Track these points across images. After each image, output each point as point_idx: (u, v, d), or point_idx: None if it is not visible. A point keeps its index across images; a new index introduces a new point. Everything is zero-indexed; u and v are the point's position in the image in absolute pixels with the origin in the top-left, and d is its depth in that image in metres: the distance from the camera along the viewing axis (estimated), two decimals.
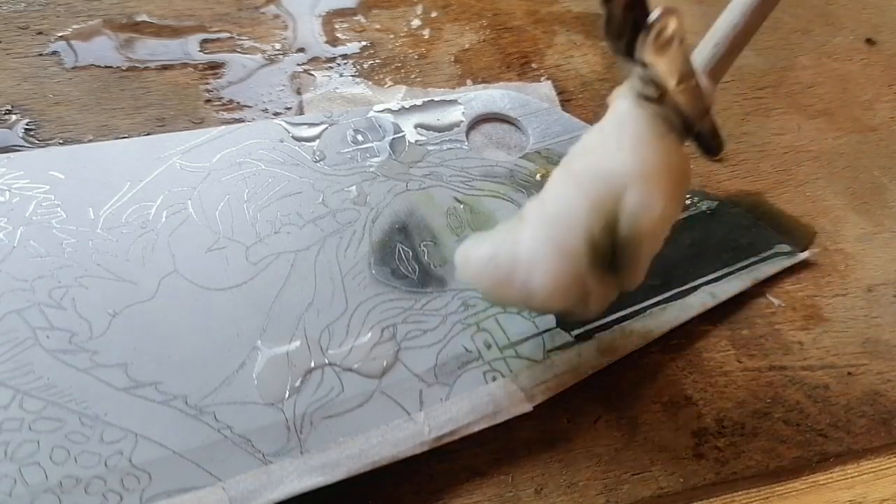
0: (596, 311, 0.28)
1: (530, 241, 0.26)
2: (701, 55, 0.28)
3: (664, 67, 0.24)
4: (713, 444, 0.29)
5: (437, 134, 0.36)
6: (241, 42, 0.40)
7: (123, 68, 0.38)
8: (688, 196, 0.35)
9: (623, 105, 0.27)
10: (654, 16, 0.23)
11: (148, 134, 0.35)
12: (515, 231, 0.27)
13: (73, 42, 0.38)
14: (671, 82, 0.25)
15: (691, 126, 0.27)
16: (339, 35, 0.41)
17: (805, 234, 0.35)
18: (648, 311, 0.31)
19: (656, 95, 0.26)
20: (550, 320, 0.30)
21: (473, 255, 0.27)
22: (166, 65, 0.38)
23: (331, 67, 0.39)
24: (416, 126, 0.36)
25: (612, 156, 0.26)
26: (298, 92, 0.38)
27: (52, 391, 0.26)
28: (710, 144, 0.28)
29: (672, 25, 0.24)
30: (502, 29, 0.42)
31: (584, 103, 0.39)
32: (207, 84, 0.38)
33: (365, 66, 0.40)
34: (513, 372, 0.29)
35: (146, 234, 0.30)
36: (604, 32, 0.24)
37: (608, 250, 0.26)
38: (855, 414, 0.30)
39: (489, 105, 0.37)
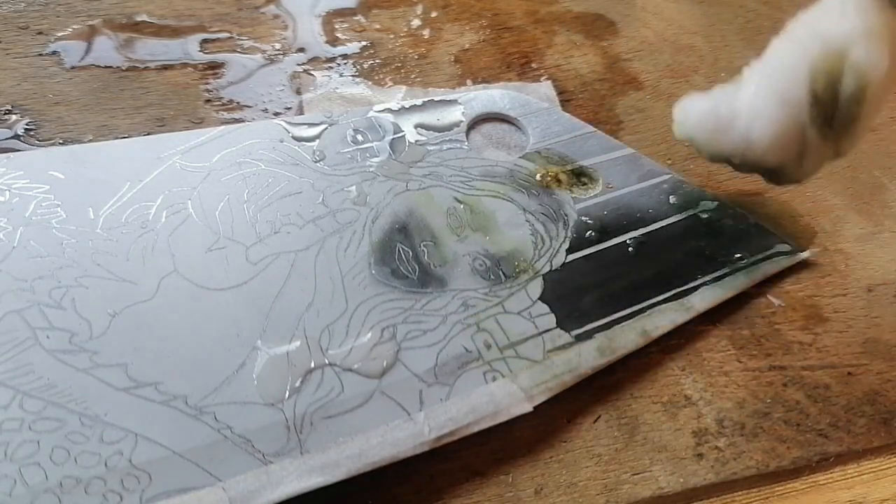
0: (809, 172, 0.29)
1: (752, 94, 0.28)
2: None
3: None
4: (713, 444, 0.29)
5: (437, 134, 0.36)
6: (241, 42, 0.40)
7: (123, 68, 0.38)
8: (688, 193, 0.35)
9: None
10: None
11: (148, 134, 0.35)
12: (735, 88, 0.29)
13: (73, 42, 0.38)
14: None
15: None
16: (339, 35, 0.41)
17: (805, 234, 0.35)
18: (648, 311, 0.31)
19: None
20: (551, 320, 0.30)
21: (693, 107, 0.29)
22: (166, 65, 0.38)
23: (331, 67, 0.39)
24: (416, 126, 0.36)
25: (835, 21, 0.27)
26: (298, 92, 0.38)
27: (52, 391, 0.26)
28: None
29: None
30: (502, 29, 0.42)
31: (584, 103, 0.39)
32: (207, 84, 0.38)
33: (365, 66, 0.40)
34: (513, 372, 0.29)
35: (146, 234, 0.30)
36: None
37: (830, 106, 0.27)
38: (855, 414, 0.30)
39: (489, 105, 0.37)
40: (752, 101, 0.28)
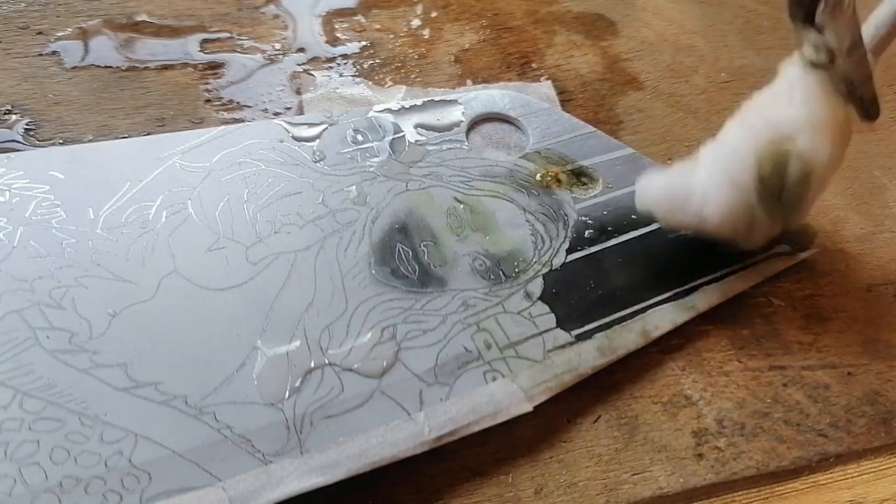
0: (759, 242, 0.32)
1: (706, 174, 0.31)
2: (865, 33, 0.31)
3: (838, 32, 0.28)
4: (713, 444, 0.29)
5: (436, 134, 0.36)
6: (241, 42, 0.40)
7: (123, 68, 0.38)
8: None
9: (793, 70, 0.30)
10: None
11: (148, 134, 0.35)
12: (691, 167, 0.31)
13: (73, 42, 0.38)
14: (843, 46, 0.28)
15: (855, 90, 0.30)
16: (339, 35, 0.41)
17: (805, 234, 0.35)
18: (648, 311, 0.31)
19: (826, 61, 0.29)
20: (551, 320, 0.30)
21: (654, 185, 0.32)
22: (166, 65, 0.38)
23: (331, 67, 0.39)
24: (416, 126, 0.36)
25: (783, 110, 0.30)
26: (298, 92, 0.38)
27: (52, 391, 0.26)
28: (870, 109, 0.31)
29: None
30: (502, 29, 0.42)
31: (584, 103, 0.39)
32: (207, 84, 0.38)
33: (365, 66, 0.40)
34: (513, 372, 0.29)
35: (146, 234, 0.30)
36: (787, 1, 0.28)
37: (776, 188, 0.30)
38: (855, 414, 0.30)
39: (489, 105, 0.37)
40: (705, 181, 0.31)
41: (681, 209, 0.31)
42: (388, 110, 0.36)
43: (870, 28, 0.31)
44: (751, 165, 0.30)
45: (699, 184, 0.31)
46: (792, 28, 0.30)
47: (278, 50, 0.40)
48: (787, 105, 0.30)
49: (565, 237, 0.33)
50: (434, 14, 0.43)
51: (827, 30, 0.28)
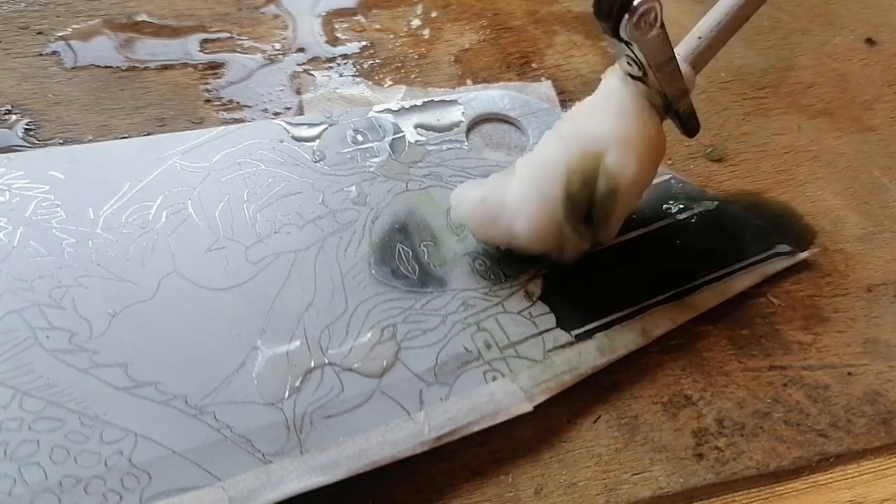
0: (570, 259, 0.31)
1: (517, 188, 0.30)
2: (686, 45, 0.32)
3: (646, 49, 0.28)
4: (713, 444, 0.29)
5: (436, 134, 0.36)
6: (241, 42, 0.40)
7: (123, 68, 0.38)
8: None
9: (612, 81, 0.30)
10: (637, 0, 0.26)
11: (148, 134, 0.35)
12: (505, 179, 0.30)
13: (73, 42, 0.38)
14: (653, 62, 0.28)
15: (670, 105, 0.31)
16: (339, 35, 0.41)
17: (805, 234, 0.35)
18: (648, 311, 0.31)
19: (640, 74, 0.29)
20: (551, 320, 0.30)
21: (466, 197, 0.31)
22: (166, 65, 0.38)
23: (331, 67, 0.39)
24: (416, 126, 0.36)
25: (596, 123, 0.30)
26: (298, 92, 0.38)
27: (52, 391, 0.26)
28: (688, 124, 0.32)
29: (655, 10, 0.26)
30: (502, 29, 0.42)
31: None
32: (207, 84, 0.38)
33: (365, 66, 0.40)
34: (513, 372, 0.29)
35: (146, 234, 0.30)
36: (593, 12, 0.27)
37: (584, 204, 0.30)
38: (855, 414, 0.30)
39: (489, 105, 0.37)
40: (516, 194, 0.30)
41: (493, 222, 0.30)
42: (388, 110, 0.36)
43: (692, 39, 0.32)
44: (559, 180, 0.29)
45: (511, 196, 0.30)
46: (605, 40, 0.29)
47: (278, 50, 0.40)
48: (600, 118, 0.30)
49: None
50: (434, 14, 0.43)
51: (633, 45, 0.27)
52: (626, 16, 0.26)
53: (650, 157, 0.30)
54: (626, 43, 0.27)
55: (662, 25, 0.27)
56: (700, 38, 0.31)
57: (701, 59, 0.32)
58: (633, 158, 0.29)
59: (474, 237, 0.32)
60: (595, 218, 0.30)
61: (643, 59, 0.28)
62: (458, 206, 0.31)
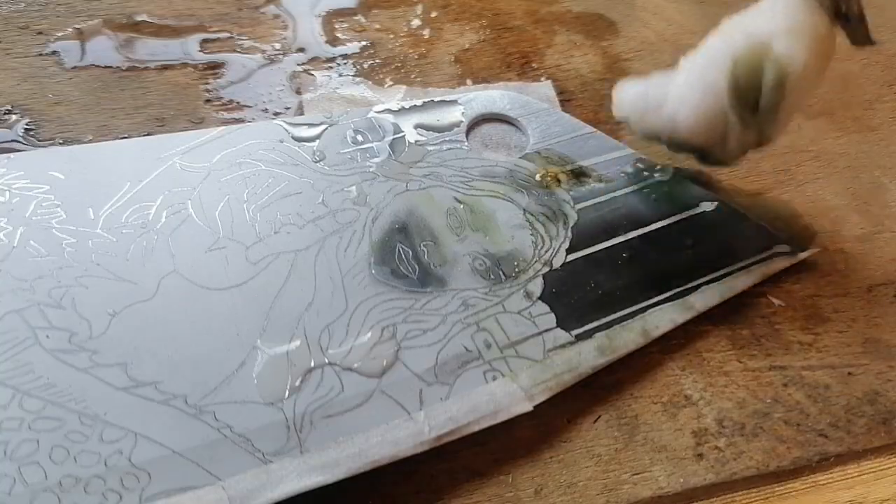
0: (733, 154, 0.31)
1: (682, 80, 0.30)
2: None
3: None
4: (713, 444, 0.29)
5: (436, 134, 0.36)
6: (241, 42, 0.40)
7: (123, 68, 0.38)
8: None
9: None
10: None
11: (148, 134, 0.35)
12: (669, 75, 0.31)
13: (72, 42, 0.38)
14: None
15: (839, 7, 0.30)
16: (339, 35, 0.41)
17: (805, 234, 0.35)
18: (648, 311, 0.31)
19: None
20: (551, 320, 0.30)
21: (629, 90, 0.32)
22: (166, 65, 0.38)
23: (331, 67, 0.39)
24: (416, 126, 0.36)
25: (762, 19, 0.30)
26: (298, 92, 0.38)
27: (52, 391, 0.26)
28: (857, 30, 0.31)
29: None
30: (502, 29, 0.42)
31: (584, 103, 0.39)
32: (207, 84, 0.38)
33: (365, 66, 0.40)
34: (513, 371, 0.29)
35: (146, 234, 0.30)
36: None
37: (751, 92, 0.29)
38: (855, 414, 0.30)
39: (489, 105, 0.37)
40: (680, 87, 0.31)
41: (655, 113, 0.31)
42: (388, 110, 0.36)
43: None
44: (726, 70, 0.29)
45: (674, 89, 0.31)
46: None
47: (278, 50, 0.40)
48: (768, 16, 0.29)
49: (565, 237, 0.33)
50: (434, 14, 0.43)
51: None
52: None
53: (820, 51, 0.29)
54: None
55: None
56: None
57: None
58: (803, 49, 0.29)
59: (634, 130, 0.32)
60: (761, 110, 0.30)
61: None
62: (620, 101, 0.32)
